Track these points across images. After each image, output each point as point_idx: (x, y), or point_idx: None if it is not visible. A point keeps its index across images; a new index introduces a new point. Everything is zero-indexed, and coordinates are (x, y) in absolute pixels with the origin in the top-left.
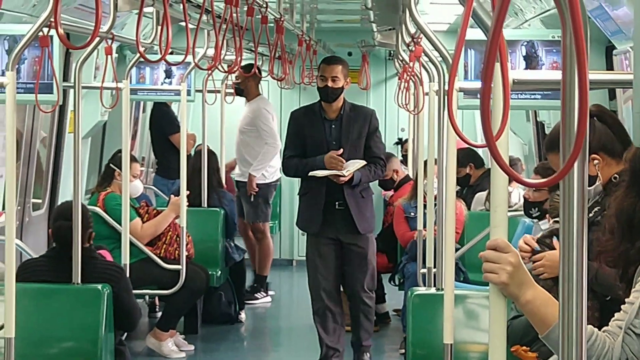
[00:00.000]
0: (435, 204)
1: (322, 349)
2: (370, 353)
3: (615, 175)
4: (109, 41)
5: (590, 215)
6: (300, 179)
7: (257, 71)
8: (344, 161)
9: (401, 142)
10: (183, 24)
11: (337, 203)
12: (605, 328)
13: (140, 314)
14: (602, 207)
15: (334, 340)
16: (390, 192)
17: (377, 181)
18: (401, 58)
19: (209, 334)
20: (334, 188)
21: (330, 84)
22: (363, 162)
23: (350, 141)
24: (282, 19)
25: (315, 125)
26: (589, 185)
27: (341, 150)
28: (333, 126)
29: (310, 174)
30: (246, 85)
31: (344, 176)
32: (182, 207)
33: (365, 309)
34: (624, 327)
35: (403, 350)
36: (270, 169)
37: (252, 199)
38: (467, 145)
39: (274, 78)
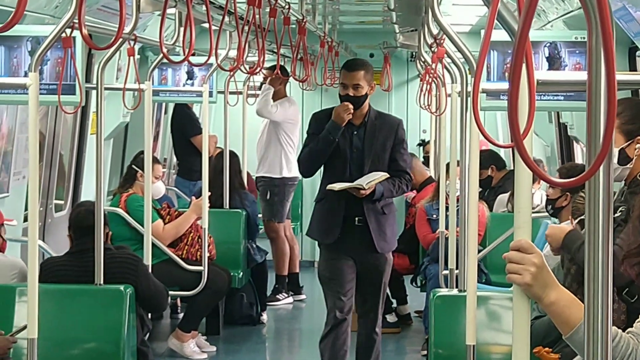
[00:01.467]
0: (457, 206)
1: None
2: None
3: None
4: (132, 42)
5: (617, 215)
6: (319, 184)
7: (280, 72)
8: (352, 107)
9: (423, 144)
10: (205, 25)
11: (357, 218)
12: (629, 329)
13: (167, 293)
14: (628, 206)
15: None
16: (412, 194)
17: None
18: (423, 59)
19: (231, 335)
20: (354, 201)
21: (352, 92)
22: (385, 175)
23: (373, 151)
24: (304, 20)
25: None
26: (623, 164)
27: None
28: (355, 133)
29: (328, 187)
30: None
31: (364, 189)
32: (204, 209)
33: (372, 343)
34: None
35: (425, 352)
36: (289, 165)
37: (268, 197)
38: (489, 147)
39: (295, 79)
